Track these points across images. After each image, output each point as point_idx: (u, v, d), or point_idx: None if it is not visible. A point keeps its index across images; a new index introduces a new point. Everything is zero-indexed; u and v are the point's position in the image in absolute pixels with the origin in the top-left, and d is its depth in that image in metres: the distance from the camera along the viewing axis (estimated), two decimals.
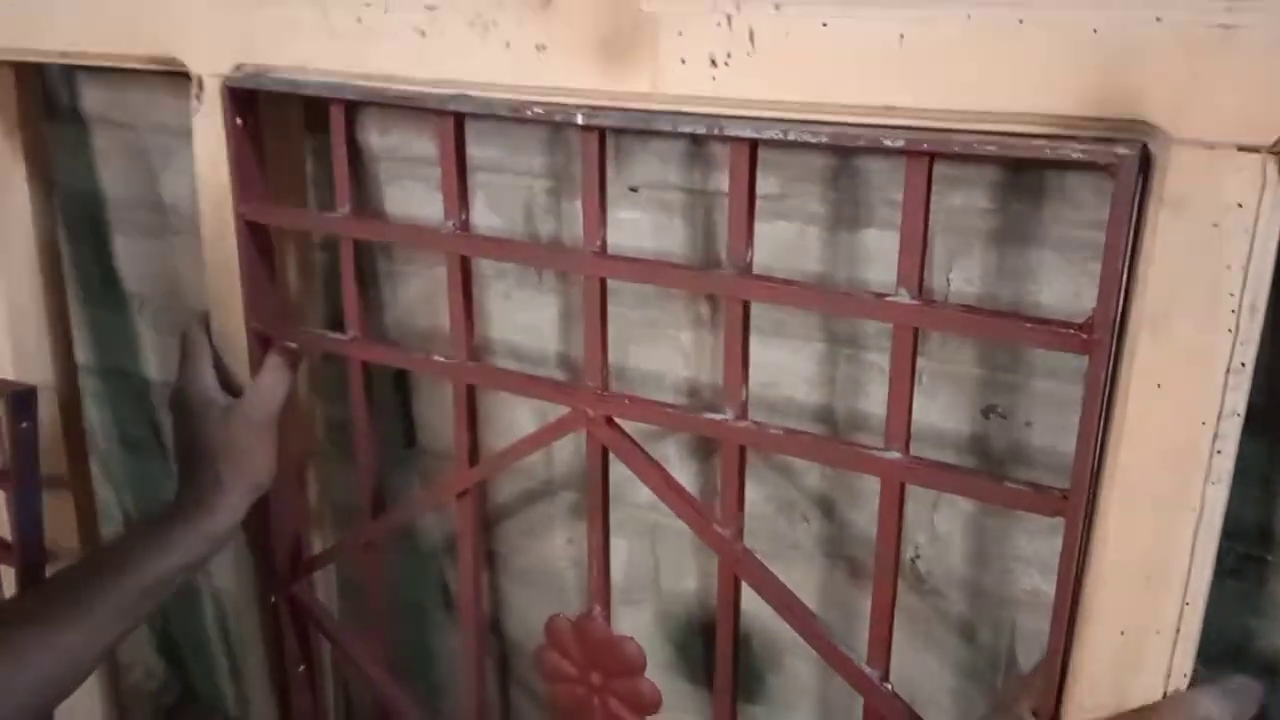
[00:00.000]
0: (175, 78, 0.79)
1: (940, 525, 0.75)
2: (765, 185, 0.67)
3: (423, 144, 0.84)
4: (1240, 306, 0.48)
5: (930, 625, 0.78)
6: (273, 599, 0.85)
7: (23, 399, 0.95)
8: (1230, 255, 0.47)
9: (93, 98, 1.04)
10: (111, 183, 1.08)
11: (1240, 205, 0.47)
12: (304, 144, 0.83)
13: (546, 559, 0.95)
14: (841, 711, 0.85)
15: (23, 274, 1.00)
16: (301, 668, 0.86)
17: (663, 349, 0.81)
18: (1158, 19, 0.47)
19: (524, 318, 0.87)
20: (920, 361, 0.63)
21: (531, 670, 0.83)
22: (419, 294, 0.90)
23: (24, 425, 0.96)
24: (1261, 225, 0.46)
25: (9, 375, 1.00)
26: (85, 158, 1.08)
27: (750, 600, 0.68)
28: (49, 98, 1.05)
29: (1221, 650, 0.64)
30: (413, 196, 0.86)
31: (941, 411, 0.71)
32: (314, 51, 0.70)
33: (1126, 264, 0.50)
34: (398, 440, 0.98)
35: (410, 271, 0.90)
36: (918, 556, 0.77)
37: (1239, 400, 0.49)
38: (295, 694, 0.87)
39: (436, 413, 0.95)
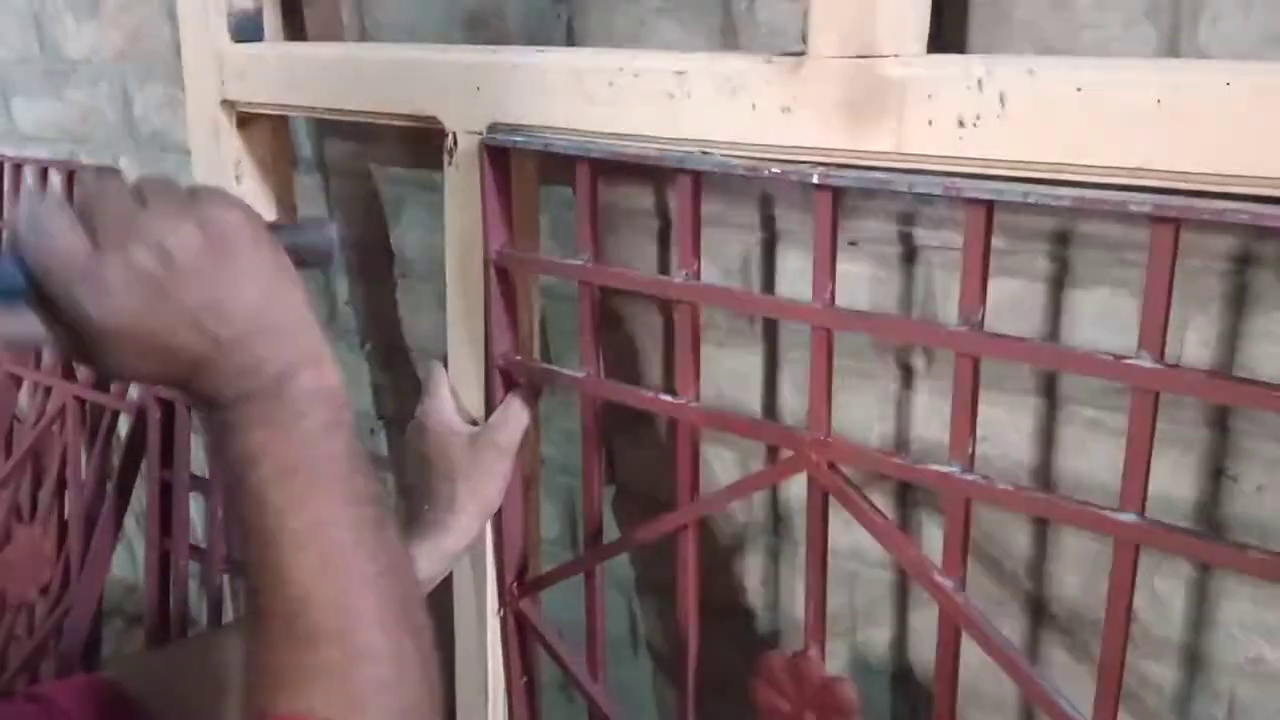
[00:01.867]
0: (416, 133, 0.87)
1: (1160, 586, 0.74)
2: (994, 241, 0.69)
3: (644, 197, 0.89)
4: None
5: (1145, 689, 0.77)
6: (501, 613, 0.89)
7: None
8: None
9: (333, 149, 1.14)
10: (344, 227, 1.17)
11: None
12: (538, 195, 0.89)
13: (739, 599, 0.97)
14: None
15: None
16: (525, 679, 0.91)
17: (869, 399, 0.83)
18: None
19: (732, 364, 0.90)
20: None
21: (721, 704, 0.85)
22: (630, 340, 0.95)
23: None
24: None
25: None
26: (322, 204, 1.17)
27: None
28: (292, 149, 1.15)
29: None
30: (629, 245, 0.91)
31: (1168, 473, 0.71)
32: (566, 113, 0.76)
33: None
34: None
35: (627, 318, 0.95)
36: (1134, 619, 0.76)
37: None
38: (516, 703, 0.92)
39: (635, 453, 0.99)
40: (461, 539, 0.80)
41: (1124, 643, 0.63)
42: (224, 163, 1.03)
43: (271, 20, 1.04)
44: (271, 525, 0.49)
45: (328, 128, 1.13)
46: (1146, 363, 0.59)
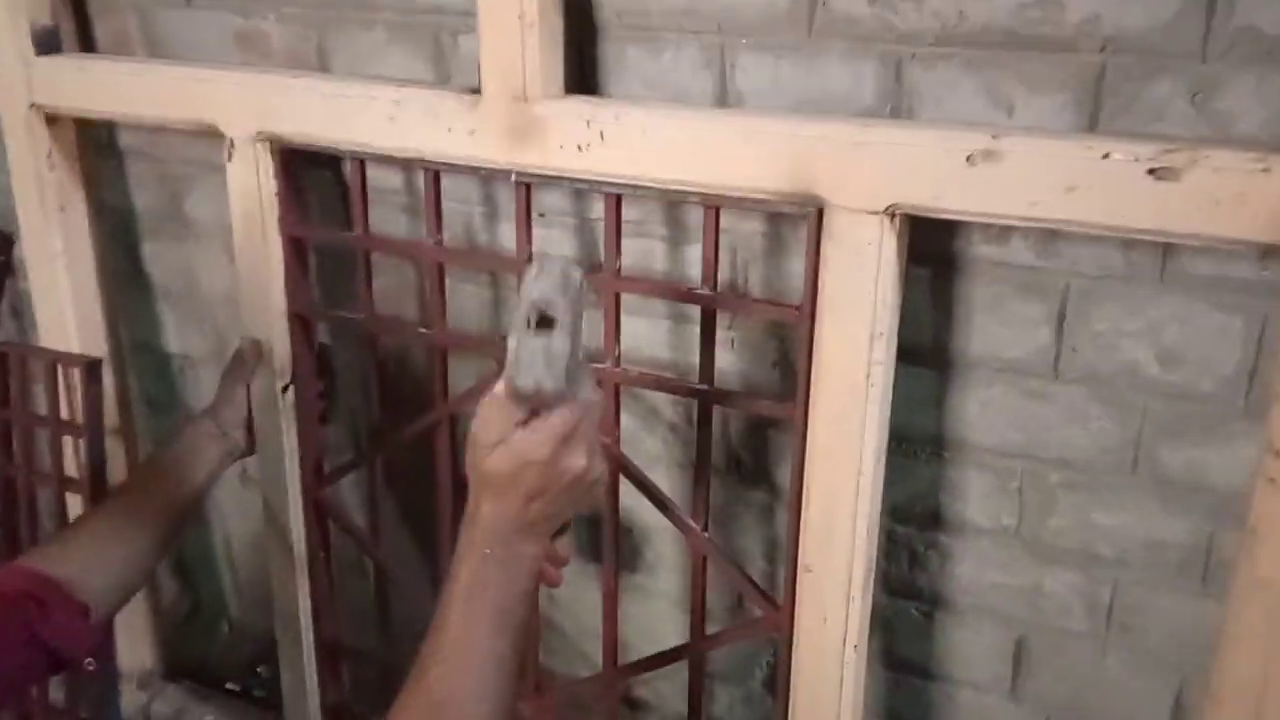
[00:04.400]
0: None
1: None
2: (630, 214, 1.02)
3: (391, 178, 1.18)
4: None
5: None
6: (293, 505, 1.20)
7: (93, 368, 1.28)
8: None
9: (129, 136, 1.36)
10: (142, 201, 1.40)
11: (869, 243, 0.83)
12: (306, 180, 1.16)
13: None
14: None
15: (84, 271, 1.32)
16: (323, 554, 1.22)
17: None
18: (824, 138, 0.83)
19: (465, 301, 1.21)
20: (730, 332, 1.00)
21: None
22: (389, 288, 1.24)
23: (93, 389, 1.29)
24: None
25: (76, 349, 1.32)
26: (122, 182, 1.39)
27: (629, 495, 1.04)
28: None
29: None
30: (385, 219, 1.20)
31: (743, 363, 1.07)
32: (321, 125, 1.04)
33: (814, 275, 0.87)
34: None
35: (383, 270, 1.24)
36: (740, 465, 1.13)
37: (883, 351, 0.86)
38: (317, 573, 1.22)
39: (401, 373, 1.30)
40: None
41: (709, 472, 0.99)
42: (38, 154, 1.25)
43: (69, 33, 1.24)
44: (457, 611, 0.74)
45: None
46: (705, 290, 0.94)
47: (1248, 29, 0.78)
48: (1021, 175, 0.78)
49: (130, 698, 1.47)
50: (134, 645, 1.49)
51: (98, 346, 1.34)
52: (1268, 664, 0.80)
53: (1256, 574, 0.79)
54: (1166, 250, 0.88)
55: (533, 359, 0.70)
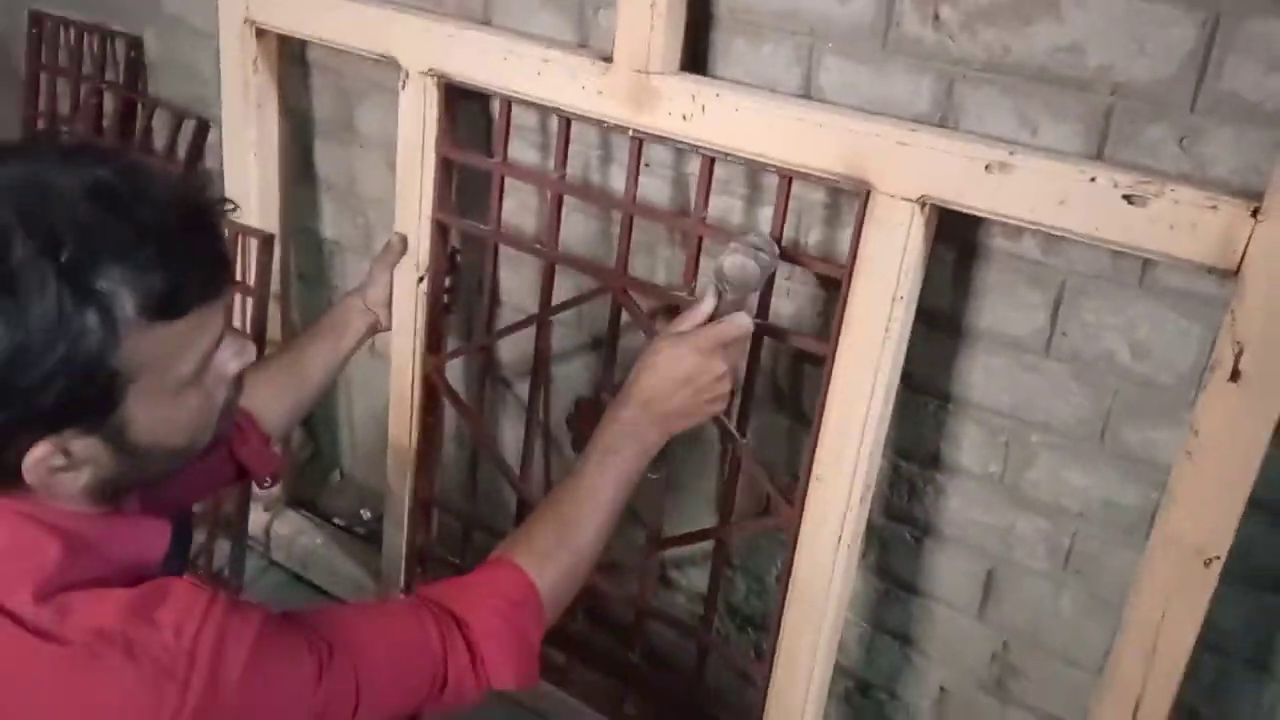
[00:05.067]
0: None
1: None
2: (718, 174, 1.24)
3: (528, 118, 1.42)
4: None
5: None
6: (414, 376, 1.47)
7: (268, 241, 1.56)
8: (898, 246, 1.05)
9: (317, 52, 1.62)
10: (320, 108, 1.67)
11: (901, 224, 1.04)
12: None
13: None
14: None
15: (269, 160, 1.60)
16: (429, 421, 1.49)
17: (654, 256, 1.40)
18: (877, 135, 1.04)
19: (574, 230, 1.45)
20: (788, 282, 1.22)
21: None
22: (514, 208, 1.49)
23: (265, 258, 1.57)
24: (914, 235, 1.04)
25: (255, 225, 1.60)
26: (306, 91, 1.66)
27: None
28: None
29: None
30: (518, 150, 1.44)
31: (795, 309, 1.29)
32: (485, 70, 1.28)
33: (856, 243, 1.08)
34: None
35: (511, 192, 1.48)
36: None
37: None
38: (423, 441, 1.50)
39: (515, 280, 1.54)
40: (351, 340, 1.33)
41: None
42: (246, 60, 1.52)
43: None
44: (594, 463, 1.01)
45: None
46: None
47: (1232, 93, 0.96)
48: (1026, 186, 0.98)
49: (256, 517, 1.77)
50: None
51: (271, 224, 1.62)
52: (1168, 602, 1.01)
53: (1166, 529, 0.99)
54: (1146, 262, 1.07)
55: (735, 265, 1.05)
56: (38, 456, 0.67)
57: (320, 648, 0.77)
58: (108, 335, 0.65)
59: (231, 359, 0.77)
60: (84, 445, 0.69)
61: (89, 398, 0.67)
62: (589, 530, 0.98)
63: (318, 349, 1.29)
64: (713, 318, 1.05)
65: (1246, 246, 0.89)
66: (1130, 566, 1.18)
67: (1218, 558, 0.96)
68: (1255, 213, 0.88)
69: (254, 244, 1.56)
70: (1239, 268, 0.90)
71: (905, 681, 1.42)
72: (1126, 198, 0.94)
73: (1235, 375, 0.91)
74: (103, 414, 0.69)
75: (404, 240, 1.42)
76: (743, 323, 1.04)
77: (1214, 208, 0.91)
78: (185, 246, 0.68)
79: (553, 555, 0.96)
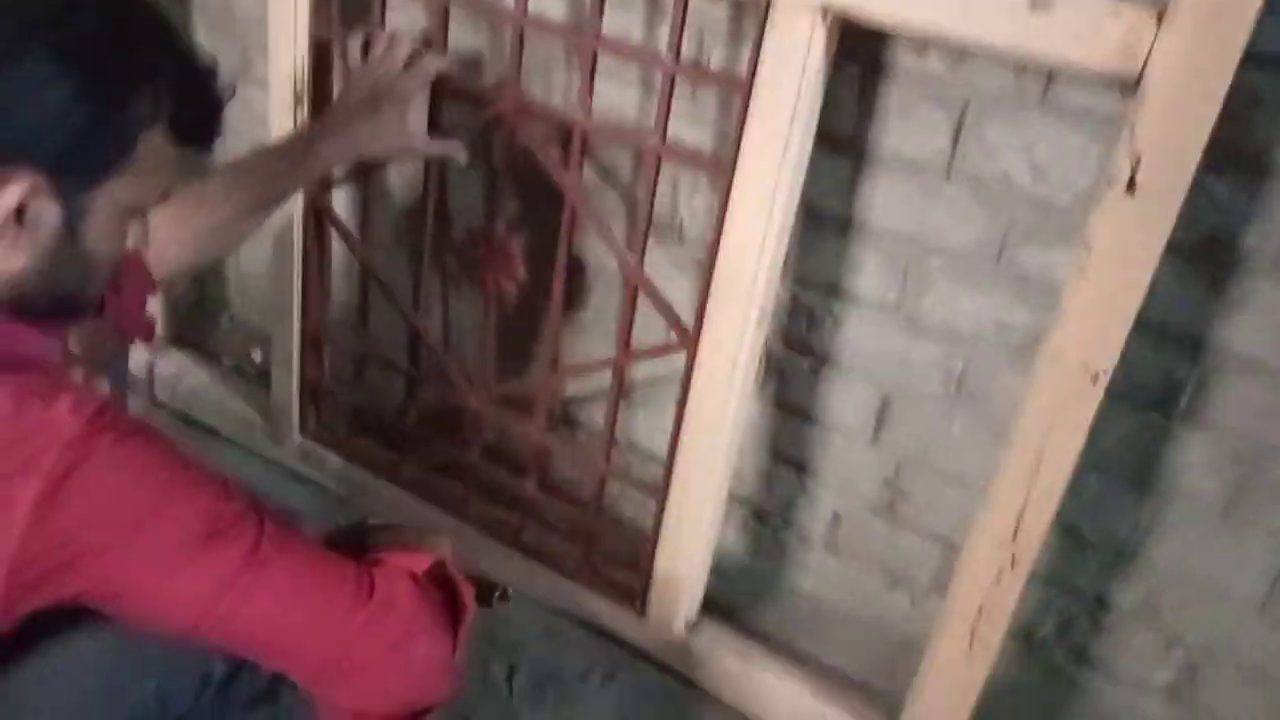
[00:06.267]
0: None
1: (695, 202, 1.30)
2: None
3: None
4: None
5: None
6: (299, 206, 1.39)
7: None
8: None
9: None
10: None
11: (802, 36, 0.99)
12: None
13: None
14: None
15: None
16: (316, 254, 1.42)
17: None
18: None
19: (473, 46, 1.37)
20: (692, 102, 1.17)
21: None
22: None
23: None
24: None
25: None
26: None
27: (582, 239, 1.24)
28: None
29: None
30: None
31: (699, 132, 1.25)
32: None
33: (755, 57, 1.03)
34: None
35: None
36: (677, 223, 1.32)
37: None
38: (309, 274, 1.43)
39: None
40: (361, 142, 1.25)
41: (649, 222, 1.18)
42: None
43: None
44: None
45: None
46: (669, 57, 1.10)
47: None
48: None
49: (135, 355, 1.69)
50: None
51: None
52: (1053, 417, 1.02)
53: (1051, 346, 1.00)
54: (1049, 80, 1.04)
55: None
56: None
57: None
58: (149, 115, 0.72)
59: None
60: (44, 206, 0.70)
61: (101, 143, 0.71)
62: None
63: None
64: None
65: (1149, 53, 0.87)
66: (1021, 390, 1.21)
67: (1104, 372, 0.98)
68: (1160, 17, 0.86)
69: None
70: (1140, 76, 0.88)
71: (799, 508, 1.45)
72: (1030, 3, 0.91)
73: (1131, 186, 0.90)
74: (90, 172, 0.71)
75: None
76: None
77: (1116, 14, 0.88)
78: (216, 103, 0.78)
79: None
